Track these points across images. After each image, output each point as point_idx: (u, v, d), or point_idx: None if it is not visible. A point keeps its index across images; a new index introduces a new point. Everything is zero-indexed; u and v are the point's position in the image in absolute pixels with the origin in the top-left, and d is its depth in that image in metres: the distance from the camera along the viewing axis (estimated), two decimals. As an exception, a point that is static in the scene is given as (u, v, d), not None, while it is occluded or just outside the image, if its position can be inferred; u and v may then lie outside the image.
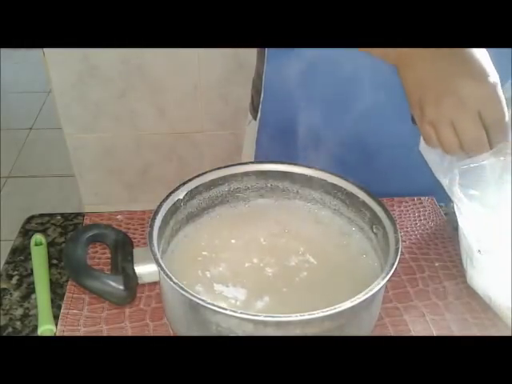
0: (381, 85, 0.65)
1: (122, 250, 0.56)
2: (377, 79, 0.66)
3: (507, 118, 0.53)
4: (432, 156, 0.58)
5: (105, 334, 0.54)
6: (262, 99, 0.78)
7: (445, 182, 0.56)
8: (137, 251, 0.55)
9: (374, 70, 0.65)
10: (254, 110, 0.82)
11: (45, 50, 1.46)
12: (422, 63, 0.55)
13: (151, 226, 0.52)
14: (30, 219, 0.70)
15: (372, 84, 0.67)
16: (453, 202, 0.58)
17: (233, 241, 0.58)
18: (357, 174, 0.60)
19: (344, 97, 0.71)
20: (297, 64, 0.70)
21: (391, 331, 0.56)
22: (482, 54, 0.54)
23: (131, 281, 0.53)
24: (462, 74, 0.53)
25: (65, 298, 0.58)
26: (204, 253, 0.57)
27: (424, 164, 0.71)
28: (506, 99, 0.54)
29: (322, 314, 0.44)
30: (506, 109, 0.53)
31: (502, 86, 0.54)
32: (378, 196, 0.57)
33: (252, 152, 0.83)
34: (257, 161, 0.62)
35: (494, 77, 0.52)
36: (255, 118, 0.82)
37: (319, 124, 0.74)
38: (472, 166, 0.54)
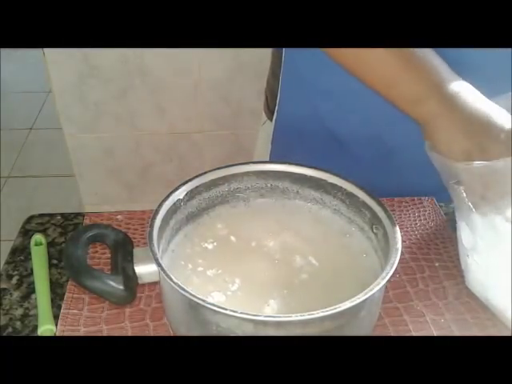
0: None
1: (122, 250, 0.56)
2: None
3: None
4: (437, 157, 0.57)
5: (105, 333, 0.54)
6: (278, 100, 0.78)
7: (448, 184, 0.56)
8: (137, 251, 0.55)
9: None
10: (270, 111, 0.82)
11: (45, 50, 1.46)
12: (452, 114, 0.54)
13: (151, 226, 0.52)
14: (29, 219, 0.70)
15: None
16: (453, 203, 0.58)
17: (233, 241, 0.58)
18: (374, 174, 0.59)
19: (361, 97, 0.71)
20: (314, 63, 0.70)
21: (391, 331, 0.56)
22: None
23: (131, 281, 0.53)
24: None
25: (65, 298, 0.58)
26: (204, 253, 0.57)
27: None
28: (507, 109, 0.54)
29: (322, 314, 0.44)
30: None
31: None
32: (393, 195, 0.56)
33: (267, 153, 0.83)
34: (257, 161, 0.62)
35: None
36: (271, 119, 0.81)
37: (336, 125, 0.74)
38: (477, 165, 0.54)
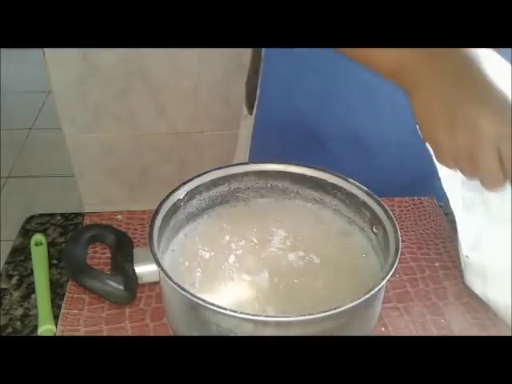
0: (380, 83, 0.65)
1: (122, 250, 0.56)
2: (375, 78, 0.66)
3: None
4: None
5: (105, 334, 0.54)
6: (258, 95, 0.78)
7: (444, 180, 0.56)
8: (137, 251, 0.55)
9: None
10: (250, 105, 0.82)
11: (45, 50, 1.46)
12: (432, 85, 0.50)
13: (151, 226, 0.52)
14: (29, 219, 0.70)
15: (370, 82, 0.67)
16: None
17: (233, 241, 0.58)
18: (353, 173, 0.59)
19: (342, 95, 0.71)
20: (295, 62, 0.70)
21: (391, 331, 0.56)
22: (503, 82, 0.47)
23: (131, 281, 0.53)
24: (481, 102, 0.46)
25: (65, 298, 0.58)
26: (204, 252, 0.57)
27: (424, 164, 0.70)
28: None
29: (322, 314, 0.44)
30: None
31: None
32: (378, 195, 0.57)
33: (247, 146, 0.83)
34: (257, 161, 0.62)
35: None
36: (251, 113, 0.82)
37: (316, 124, 0.74)
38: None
